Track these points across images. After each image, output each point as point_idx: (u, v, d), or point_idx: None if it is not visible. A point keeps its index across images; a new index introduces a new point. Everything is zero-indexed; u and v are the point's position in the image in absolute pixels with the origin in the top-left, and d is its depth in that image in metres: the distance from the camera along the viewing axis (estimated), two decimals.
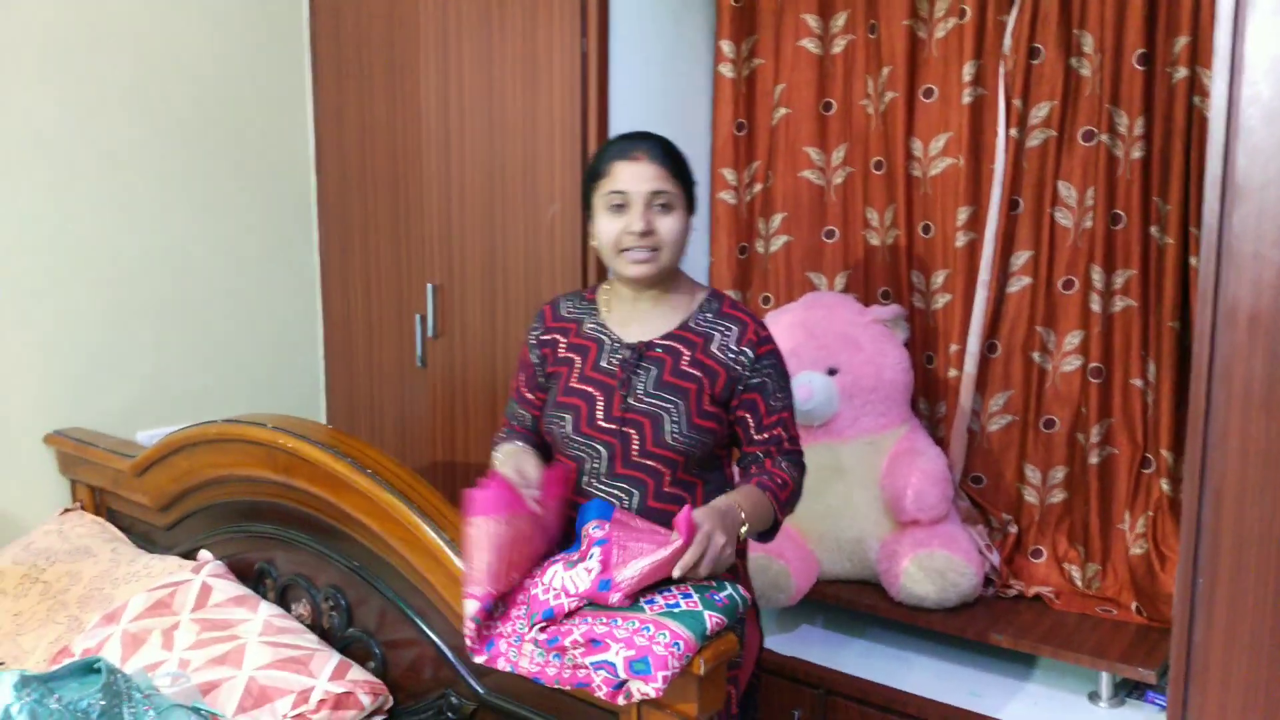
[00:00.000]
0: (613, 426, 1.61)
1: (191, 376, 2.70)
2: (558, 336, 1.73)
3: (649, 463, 1.60)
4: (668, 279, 1.66)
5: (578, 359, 1.68)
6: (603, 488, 1.63)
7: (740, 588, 1.46)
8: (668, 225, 1.61)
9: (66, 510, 2.42)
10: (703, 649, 1.35)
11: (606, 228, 1.62)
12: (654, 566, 1.38)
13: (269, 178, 2.84)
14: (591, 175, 1.66)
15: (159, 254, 2.61)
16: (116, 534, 2.32)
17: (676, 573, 1.39)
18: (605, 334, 1.69)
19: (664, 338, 1.65)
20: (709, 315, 1.66)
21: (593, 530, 1.43)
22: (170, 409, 2.64)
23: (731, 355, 1.62)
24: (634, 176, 1.59)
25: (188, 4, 2.60)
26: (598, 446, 1.62)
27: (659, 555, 1.38)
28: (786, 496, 1.62)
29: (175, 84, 2.60)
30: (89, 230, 2.47)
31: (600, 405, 1.63)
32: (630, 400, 1.61)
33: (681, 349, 1.63)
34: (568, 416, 1.65)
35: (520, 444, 1.73)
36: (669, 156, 1.62)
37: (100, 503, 2.44)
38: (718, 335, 1.64)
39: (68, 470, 2.47)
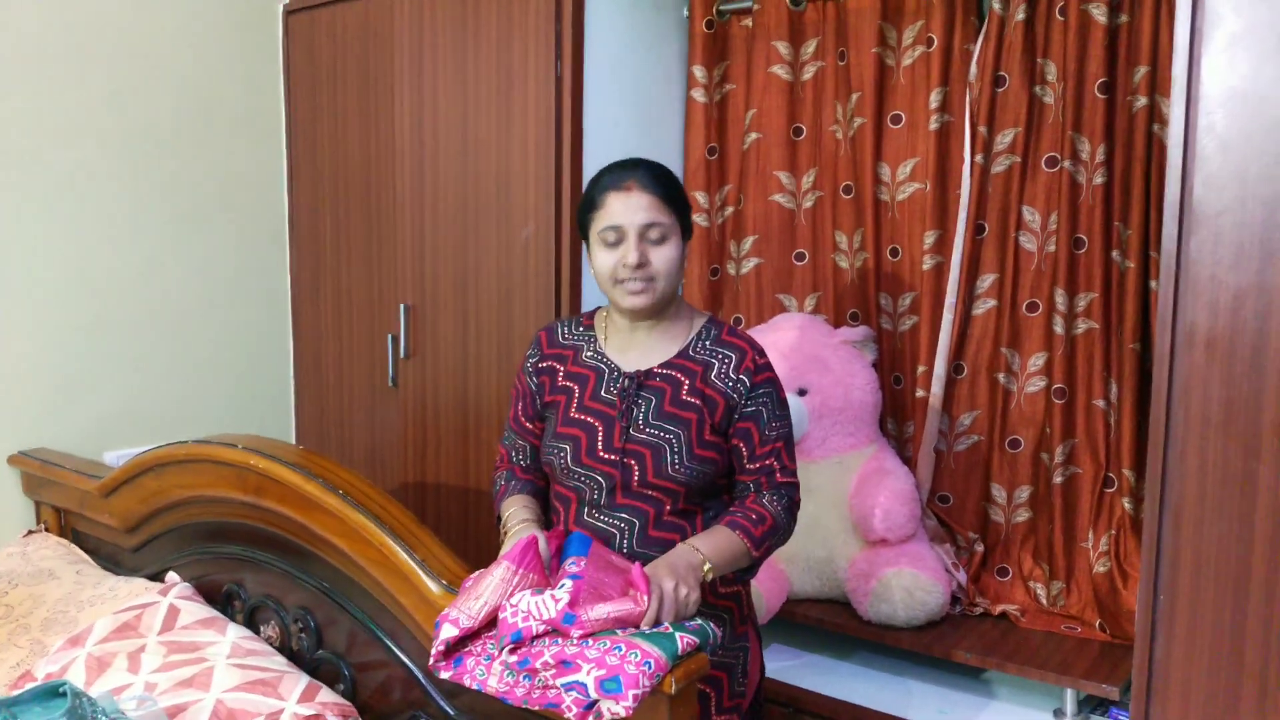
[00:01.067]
0: (613, 458, 1.59)
1: (160, 397, 2.68)
2: (555, 364, 1.70)
3: (649, 493, 1.59)
4: (665, 307, 1.63)
5: (576, 388, 1.66)
6: (603, 518, 1.61)
7: (712, 624, 1.47)
8: (662, 256, 1.58)
9: (30, 532, 2.38)
10: (674, 668, 1.36)
11: (602, 260, 1.59)
12: (620, 618, 1.39)
13: (241, 196, 2.83)
14: (586, 206, 1.63)
15: (127, 272, 2.59)
16: (82, 556, 2.29)
17: (644, 627, 1.40)
18: (604, 363, 1.66)
19: (663, 366, 1.62)
20: (708, 343, 1.63)
21: (569, 565, 1.45)
22: (138, 429, 2.62)
23: (730, 383, 1.60)
24: (626, 209, 1.57)
25: (162, 21, 2.60)
26: (598, 477, 1.60)
27: (625, 610, 1.40)
28: (763, 533, 1.56)
29: (148, 101, 2.59)
30: (55, 247, 2.45)
31: (600, 436, 1.61)
32: (631, 431, 1.59)
33: (681, 378, 1.61)
34: (567, 447, 1.63)
35: (526, 502, 1.67)
36: (662, 185, 1.59)
37: (65, 524, 2.41)
38: (716, 363, 1.61)
39: (32, 491, 2.43)
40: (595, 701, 1.32)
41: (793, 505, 1.64)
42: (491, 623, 1.46)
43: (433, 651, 1.46)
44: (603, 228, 1.59)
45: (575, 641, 1.37)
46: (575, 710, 1.34)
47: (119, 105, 2.54)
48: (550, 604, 1.39)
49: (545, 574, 1.48)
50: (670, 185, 1.61)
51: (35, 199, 2.41)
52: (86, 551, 2.32)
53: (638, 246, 1.57)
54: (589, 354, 1.68)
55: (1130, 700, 1.63)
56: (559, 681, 1.35)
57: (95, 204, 2.52)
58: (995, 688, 2.27)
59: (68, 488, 2.31)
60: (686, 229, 1.64)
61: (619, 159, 1.66)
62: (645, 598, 1.41)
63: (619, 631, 1.39)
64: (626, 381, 1.62)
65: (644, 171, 1.60)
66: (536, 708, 1.39)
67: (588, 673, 1.33)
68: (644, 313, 1.61)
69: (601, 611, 1.38)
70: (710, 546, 1.52)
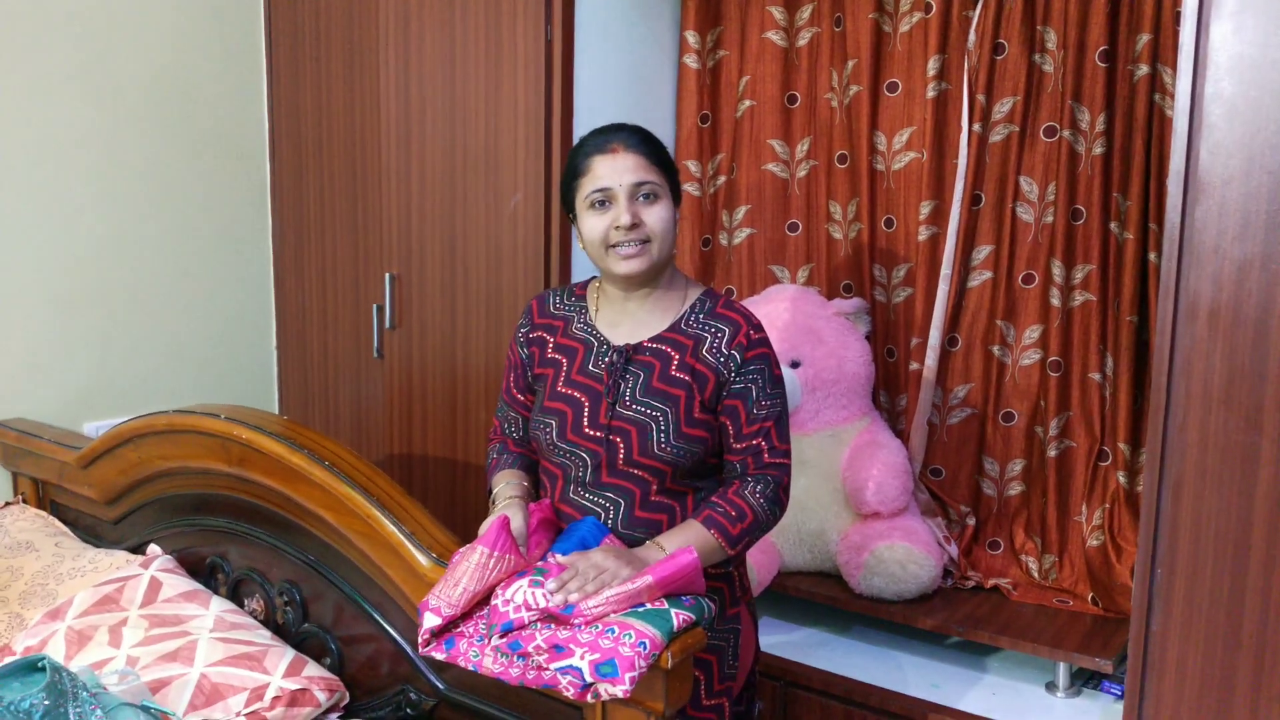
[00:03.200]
0: (598, 434, 1.55)
1: (141, 366, 2.63)
2: (545, 334, 1.66)
3: (635, 472, 1.54)
4: (659, 276, 1.58)
5: (565, 361, 1.61)
6: (589, 496, 1.56)
7: (707, 600, 1.44)
8: (656, 215, 1.53)
9: (7, 504, 2.34)
10: (669, 644, 1.34)
11: (592, 226, 1.54)
12: (620, 598, 1.36)
13: (222, 163, 2.76)
14: (570, 175, 1.58)
15: (107, 240, 2.53)
16: (61, 528, 2.25)
17: (551, 596, 1.36)
18: (593, 335, 1.61)
19: (653, 340, 1.57)
20: (701, 316, 1.57)
21: (574, 558, 1.42)
22: (118, 399, 2.56)
23: (721, 358, 1.54)
24: (614, 170, 1.52)
25: None
26: (582, 454, 1.56)
27: (626, 590, 1.36)
28: (741, 530, 1.50)
29: (126, 64, 2.52)
30: (35, 215, 2.39)
31: (586, 411, 1.56)
32: (618, 407, 1.54)
33: (671, 352, 1.56)
34: (552, 422, 1.58)
35: (516, 478, 1.64)
36: (648, 145, 1.55)
37: (44, 496, 2.37)
38: (709, 337, 1.55)
39: (9, 462, 2.39)
40: (592, 684, 1.30)
41: (779, 492, 1.56)
42: (480, 602, 1.44)
43: (419, 639, 1.44)
44: (590, 191, 1.54)
45: (568, 627, 1.35)
46: (573, 691, 1.32)
47: (93, 68, 2.46)
48: (548, 595, 1.36)
49: (521, 553, 1.45)
50: (656, 146, 1.58)
51: (8, 166, 2.34)
52: (65, 523, 2.28)
53: (629, 207, 1.52)
54: (579, 325, 1.64)
55: (1124, 674, 1.62)
56: (553, 665, 1.32)
57: (72, 171, 2.45)
58: (987, 661, 2.26)
59: (46, 459, 2.27)
60: (676, 194, 1.60)
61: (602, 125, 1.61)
62: (646, 577, 1.38)
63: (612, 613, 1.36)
64: (615, 355, 1.57)
65: (628, 133, 1.56)
66: (535, 687, 1.37)
67: (581, 657, 1.31)
68: (638, 279, 1.56)
69: (600, 598, 1.35)
70: (678, 546, 1.46)
